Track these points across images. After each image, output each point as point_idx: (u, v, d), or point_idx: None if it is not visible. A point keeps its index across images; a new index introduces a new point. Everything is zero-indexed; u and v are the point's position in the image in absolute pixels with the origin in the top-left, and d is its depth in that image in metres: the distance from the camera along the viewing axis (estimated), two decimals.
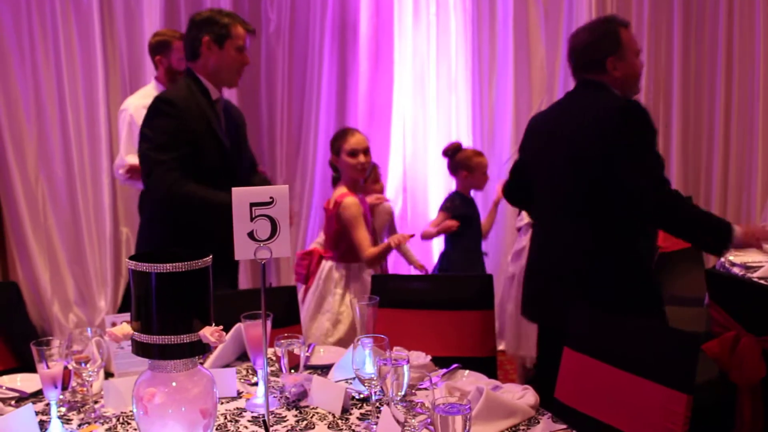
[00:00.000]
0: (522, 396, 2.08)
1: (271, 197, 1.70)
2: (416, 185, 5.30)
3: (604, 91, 2.87)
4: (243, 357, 2.50)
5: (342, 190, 3.75)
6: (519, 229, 4.32)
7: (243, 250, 1.71)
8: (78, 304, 5.18)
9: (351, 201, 3.68)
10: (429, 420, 1.74)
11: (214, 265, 1.65)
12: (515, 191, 3.30)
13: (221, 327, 1.66)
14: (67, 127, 5.04)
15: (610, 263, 2.80)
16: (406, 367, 1.91)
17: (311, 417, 2.03)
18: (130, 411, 2.09)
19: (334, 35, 5.17)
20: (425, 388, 2.17)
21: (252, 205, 1.70)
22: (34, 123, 5.05)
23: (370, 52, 5.23)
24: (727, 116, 5.36)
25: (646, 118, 2.77)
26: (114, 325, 2.16)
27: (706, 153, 5.44)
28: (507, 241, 5.21)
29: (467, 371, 2.31)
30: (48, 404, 2.06)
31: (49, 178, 5.10)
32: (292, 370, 2.15)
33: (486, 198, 5.03)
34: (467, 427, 1.65)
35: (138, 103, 4.12)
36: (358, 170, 3.76)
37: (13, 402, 2.21)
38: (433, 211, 5.27)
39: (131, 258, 1.64)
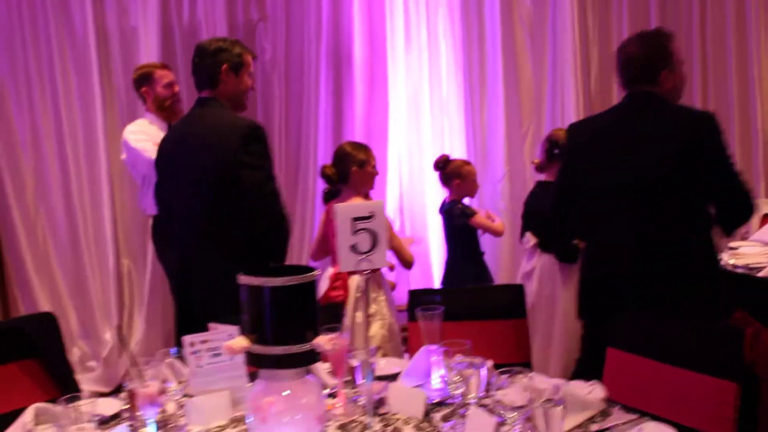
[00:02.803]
0: (591, 391, 2.20)
1: (370, 212, 1.80)
2: (413, 206, 5.43)
3: (664, 103, 2.99)
4: None
5: (360, 201, 3.88)
6: (526, 251, 4.42)
7: (347, 262, 1.80)
8: (81, 337, 5.18)
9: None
10: (528, 413, 1.85)
11: None
12: (563, 216, 3.27)
13: (335, 335, 1.75)
14: (65, 160, 5.07)
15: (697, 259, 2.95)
16: (486, 368, 2.04)
17: (395, 422, 2.12)
18: (215, 428, 2.15)
19: (329, 62, 5.29)
20: (499, 389, 2.27)
21: (354, 219, 1.80)
22: (30, 157, 5.07)
23: (365, 78, 5.37)
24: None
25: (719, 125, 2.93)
26: (192, 344, 2.25)
27: None
28: (506, 260, 5.39)
29: (531, 373, 2.42)
30: (130, 425, 2.11)
31: (48, 212, 5.12)
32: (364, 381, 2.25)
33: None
34: (564, 418, 1.78)
35: (128, 128, 4.35)
36: (373, 182, 4.00)
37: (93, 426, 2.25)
38: (431, 230, 5.41)
39: (245, 273, 1.73)
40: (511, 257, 5.43)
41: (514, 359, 3.08)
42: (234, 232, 3.19)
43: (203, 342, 2.26)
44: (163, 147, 3.45)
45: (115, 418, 2.28)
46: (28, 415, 2.13)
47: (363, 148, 3.97)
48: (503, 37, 5.24)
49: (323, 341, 1.73)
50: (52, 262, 5.16)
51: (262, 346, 1.72)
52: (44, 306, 5.13)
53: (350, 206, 1.81)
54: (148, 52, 4.98)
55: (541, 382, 2.24)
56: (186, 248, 3.41)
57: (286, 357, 1.72)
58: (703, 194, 2.91)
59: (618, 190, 2.98)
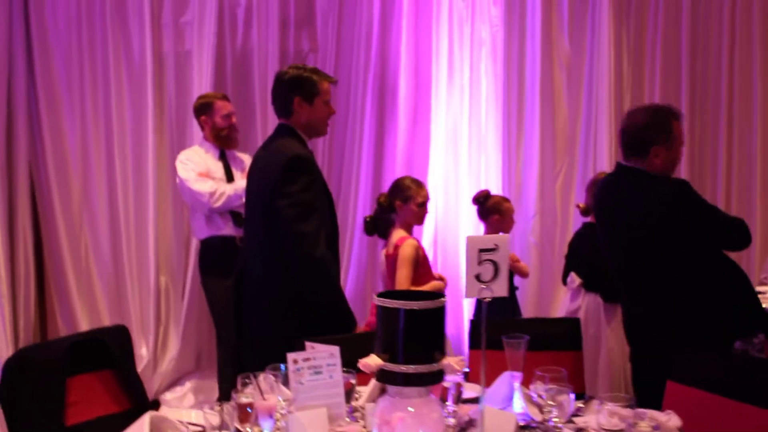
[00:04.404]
0: (668, 419, 2.34)
1: (495, 244, 1.95)
2: (447, 239, 5.58)
3: (646, 178, 3.18)
4: None
5: (401, 233, 4.05)
6: (570, 291, 4.54)
7: (471, 290, 1.95)
8: None
9: (412, 242, 4.02)
10: None
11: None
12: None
13: (461, 357, 1.90)
14: (113, 177, 5.22)
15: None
16: (572, 395, 2.20)
17: None
18: None
19: (375, 95, 5.47)
20: (577, 414, 2.42)
21: (480, 251, 1.95)
22: (79, 173, 5.22)
23: (408, 112, 5.53)
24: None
25: (692, 189, 3.12)
26: (295, 362, 2.38)
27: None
28: (533, 296, 5.54)
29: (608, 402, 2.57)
30: None
31: (92, 227, 5.25)
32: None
33: None
34: None
35: (180, 156, 4.55)
36: (421, 219, 4.15)
37: None
38: (463, 264, 5.55)
39: (379, 295, 1.88)
40: (537, 293, 5.58)
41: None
42: (280, 267, 3.27)
43: (305, 360, 2.39)
44: (248, 174, 3.62)
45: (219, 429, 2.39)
46: (144, 423, 2.22)
47: (416, 184, 4.12)
48: (542, 78, 5.44)
49: (453, 362, 1.87)
50: (93, 276, 5.29)
51: (393, 364, 1.86)
52: (82, 319, 5.24)
53: (478, 238, 1.95)
54: (201, 77, 5.14)
55: (621, 408, 2.39)
56: (243, 271, 3.54)
57: (415, 375, 1.85)
58: (700, 245, 3.11)
59: (619, 253, 3.28)
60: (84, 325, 5.22)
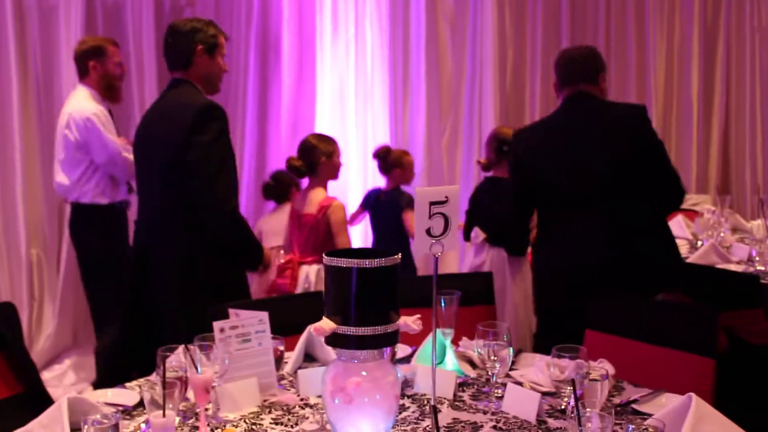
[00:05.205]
0: (602, 367, 2.36)
1: (446, 196, 1.86)
2: (335, 194, 5.48)
3: (601, 102, 3.20)
4: (308, 359, 2.58)
5: (323, 193, 3.93)
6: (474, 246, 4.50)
7: (421, 245, 1.86)
8: None
9: (339, 205, 3.96)
10: (584, 386, 1.97)
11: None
12: (524, 213, 3.48)
13: (419, 315, 1.81)
14: None
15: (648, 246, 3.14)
16: (511, 349, 2.17)
17: (428, 403, 2.18)
18: (250, 414, 2.13)
19: (257, 51, 5.27)
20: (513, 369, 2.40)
21: (431, 203, 1.85)
22: None
23: (292, 67, 5.36)
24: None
25: None
26: (222, 330, 2.22)
27: None
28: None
29: (537, 353, 2.57)
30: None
31: None
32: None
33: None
34: None
35: (89, 106, 4.05)
36: (338, 172, 4.07)
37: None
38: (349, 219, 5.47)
39: (328, 254, 1.76)
40: None
41: None
42: (189, 223, 3.13)
43: (233, 328, 2.24)
44: (137, 133, 3.36)
45: (139, 407, 2.21)
46: (62, 408, 2.00)
47: (329, 139, 4.04)
48: (427, 33, 5.40)
49: (410, 321, 1.78)
50: None
51: (346, 326, 1.75)
52: None
53: (428, 190, 1.85)
54: (69, 33, 4.75)
55: (557, 360, 2.38)
56: (146, 234, 3.32)
57: (371, 338, 1.75)
58: (647, 183, 3.11)
59: (573, 195, 3.18)
60: None
